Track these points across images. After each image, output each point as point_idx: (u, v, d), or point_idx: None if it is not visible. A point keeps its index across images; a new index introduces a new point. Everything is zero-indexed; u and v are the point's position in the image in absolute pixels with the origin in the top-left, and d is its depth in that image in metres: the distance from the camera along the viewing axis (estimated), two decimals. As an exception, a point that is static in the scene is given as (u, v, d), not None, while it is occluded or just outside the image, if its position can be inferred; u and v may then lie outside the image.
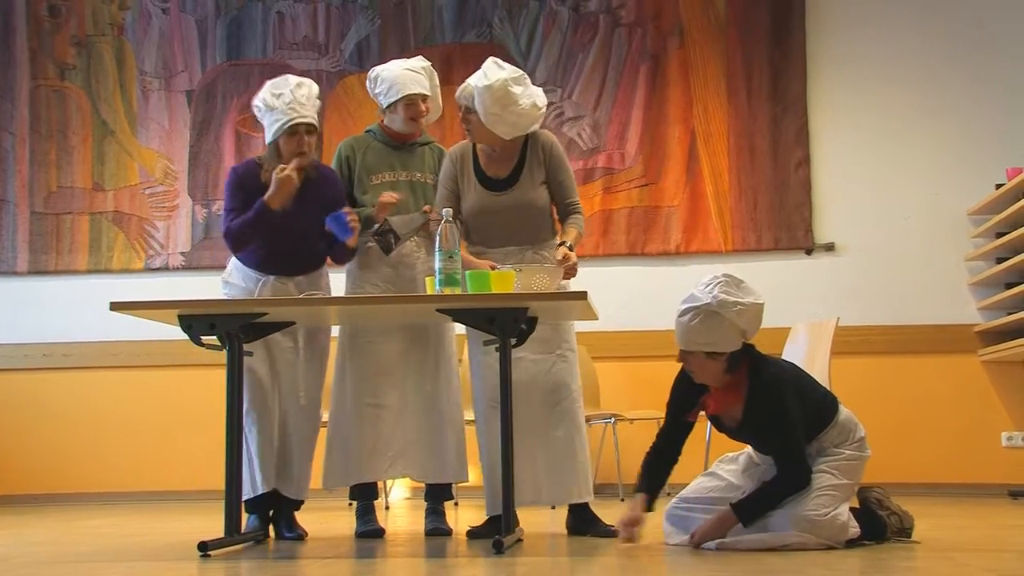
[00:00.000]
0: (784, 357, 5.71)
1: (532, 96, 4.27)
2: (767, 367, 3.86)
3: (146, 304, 4.18)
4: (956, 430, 6.67)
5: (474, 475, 4.51)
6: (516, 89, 4.22)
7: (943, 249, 6.84)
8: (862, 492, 3.97)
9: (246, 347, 4.16)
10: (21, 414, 7.09)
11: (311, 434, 4.47)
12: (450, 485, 4.61)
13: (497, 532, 3.99)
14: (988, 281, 6.68)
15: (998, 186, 6.57)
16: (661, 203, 7.00)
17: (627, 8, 7.15)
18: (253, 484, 4.28)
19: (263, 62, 7.22)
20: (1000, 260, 6.53)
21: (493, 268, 4.17)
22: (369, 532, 4.45)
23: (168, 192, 7.25)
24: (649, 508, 3.92)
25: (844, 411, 3.93)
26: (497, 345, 3.97)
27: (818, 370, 5.52)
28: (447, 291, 3.97)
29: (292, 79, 4.42)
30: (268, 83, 4.44)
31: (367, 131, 4.70)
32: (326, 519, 5.27)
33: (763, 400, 3.79)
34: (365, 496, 4.56)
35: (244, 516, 4.25)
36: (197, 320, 4.04)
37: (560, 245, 4.26)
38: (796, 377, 3.93)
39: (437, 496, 4.58)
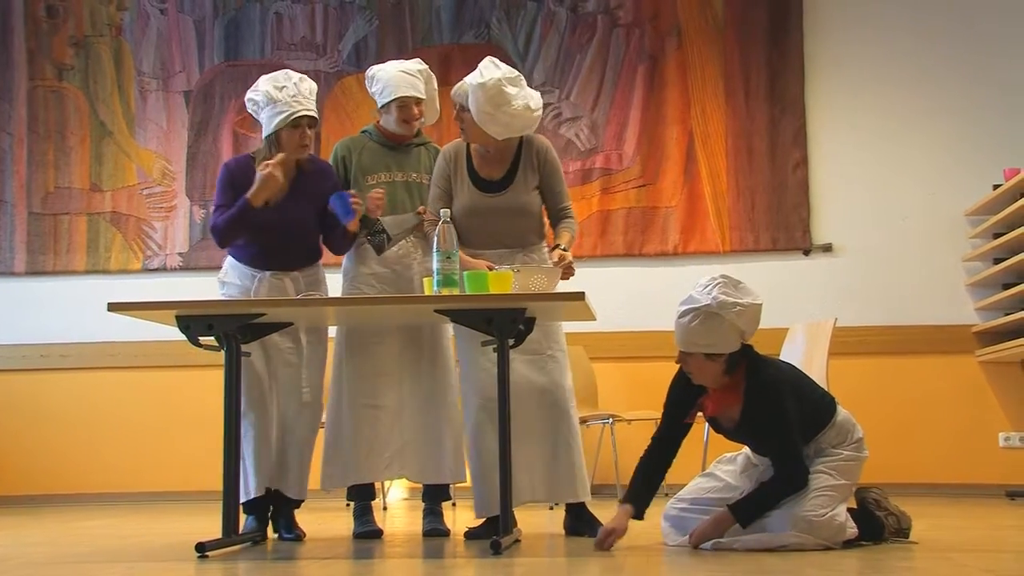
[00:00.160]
0: (782, 358, 5.72)
1: (526, 98, 4.24)
2: (765, 368, 3.86)
3: (144, 305, 4.17)
4: (954, 431, 6.68)
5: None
6: (510, 89, 4.20)
7: (941, 250, 6.85)
8: (860, 493, 3.97)
9: (244, 348, 4.16)
10: (19, 415, 7.09)
11: (311, 433, 4.45)
12: (448, 486, 4.61)
13: (495, 533, 3.99)
14: (985, 282, 6.68)
15: (995, 187, 6.58)
16: (659, 204, 7.00)
17: (625, 9, 7.16)
18: (246, 488, 4.27)
19: (261, 63, 7.22)
20: (997, 261, 6.54)
21: (490, 268, 4.17)
22: (367, 533, 4.45)
23: (166, 193, 7.25)
24: (637, 517, 3.90)
25: (842, 412, 3.93)
26: (494, 346, 3.96)
27: (816, 371, 5.53)
28: (445, 292, 3.97)
29: (294, 74, 4.41)
30: (266, 77, 4.40)
31: (363, 131, 4.70)
32: (324, 520, 5.27)
33: (761, 401, 3.79)
34: (363, 497, 4.56)
35: (242, 517, 4.25)
36: (195, 321, 4.04)
37: (555, 248, 4.26)
38: (794, 378, 3.93)
39: (435, 497, 4.58)
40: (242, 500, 4.25)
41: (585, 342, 6.58)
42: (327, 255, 4.59)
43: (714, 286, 3.77)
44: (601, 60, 7.14)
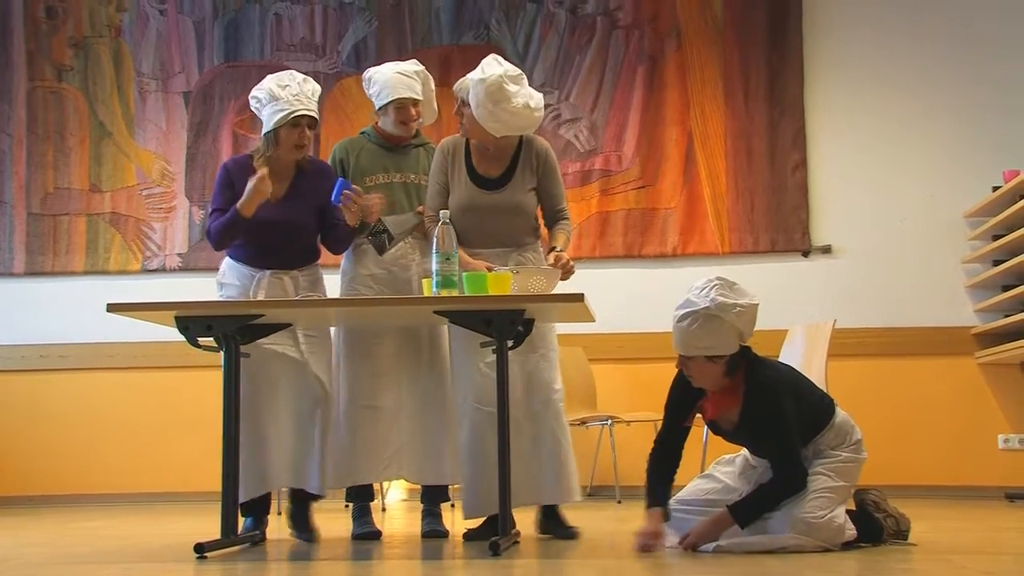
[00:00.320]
0: (781, 359, 5.73)
1: (527, 96, 4.24)
2: (764, 369, 3.86)
3: (143, 305, 4.17)
4: (953, 432, 6.67)
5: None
6: (511, 87, 4.21)
7: (940, 251, 6.85)
8: (859, 494, 3.97)
9: (244, 348, 4.16)
10: (18, 415, 7.09)
11: (324, 428, 4.39)
12: (447, 487, 4.60)
13: (493, 534, 3.99)
14: (985, 283, 6.68)
15: (995, 188, 6.58)
16: (658, 205, 7.00)
17: (624, 10, 7.16)
18: (246, 489, 4.25)
19: (260, 64, 7.22)
20: (997, 262, 6.54)
21: (489, 269, 4.17)
22: (365, 534, 4.44)
23: (165, 193, 7.25)
24: (667, 519, 3.90)
25: (841, 414, 3.93)
26: (493, 347, 3.96)
27: (815, 372, 5.53)
28: (444, 293, 3.97)
29: (298, 74, 4.43)
30: (271, 76, 4.43)
31: (362, 133, 4.70)
32: (323, 521, 5.25)
33: (759, 403, 3.79)
34: (361, 498, 4.56)
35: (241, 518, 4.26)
36: (194, 321, 4.04)
37: (551, 250, 4.26)
38: (792, 379, 3.94)
39: (433, 498, 4.58)
40: (241, 500, 4.24)
41: (584, 343, 6.58)
42: (326, 255, 4.59)
43: (711, 288, 3.77)
44: (600, 61, 7.15)
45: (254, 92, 4.43)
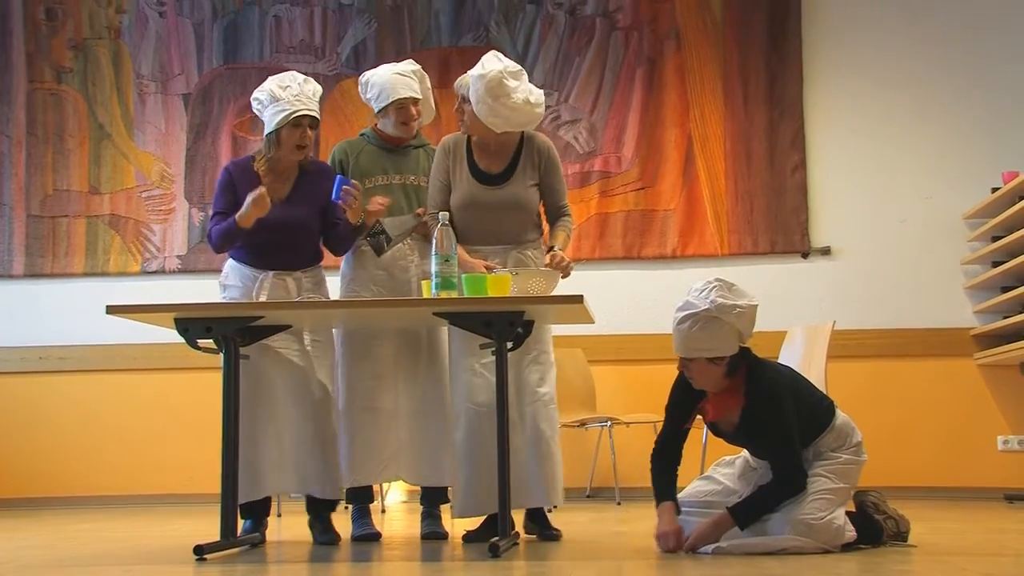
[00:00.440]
0: (780, 360, 5.73)
1: (527, 92, 4.26)
2: (764, 371, 3.86)
3: (142, 307, 4.17)
4: (952, 434, 6.67)
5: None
6: (511, 82, 4.22)
7: (939, 253, 6.85)
8: (858, 496, 3.97)
9: (244, 350, 4.16)
10: (17, 417, 7.08)
11: (329, 431, 4.39)
12: (446, 489, 4.59)
13: (493, 535, 3.99)
14: (984, 285, 6.68)
15: (994, 190, 6.58)
16: (657, 207, 7.00)
17: (623, 12, 7.16)
18: (246, 491, 4.25)
19: (260, 65, 7.22)
20: (996, 264, 6.54)
21: (488, 268, 4.18)
22: (365, 536, 4.44)
23: (164, 195, 7.25)
24: (679, 512, 3.89)
25: (841, 416, 3.93)
26: (492, 349, 3.96)
27: (814, 374, 5.53)
28: (443, 295, 3.97)
29: (299, 75, 4.44)
30: (272, 77, 4.44)
31: (361, 135, 4.71)
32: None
33: (760, 404, 3.79)
34: (361, 500, 4.55)
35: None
36: (193, 323, 4.04)
37: (549, 250, 4.26)
38: (792, 381, 3.94)
39: (433, 500, 4.58)
40: (241, 502, 4.23)
41: (583, 345, 6.58)
42: (327, 257, 4.59)
43: (710, 290, 3.77)
44: (600, 63, 7.15)
45: (255, 94, 4.44)
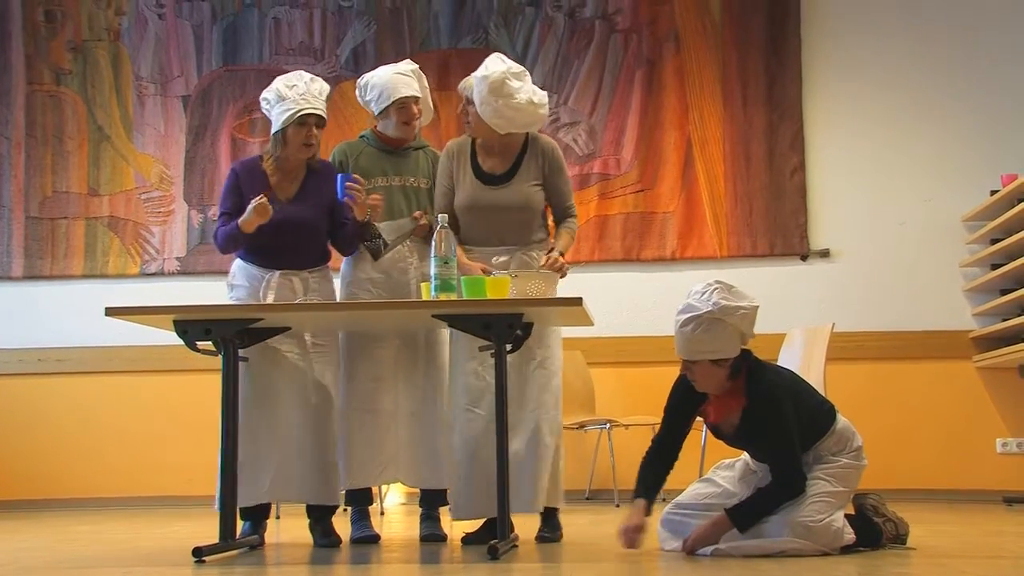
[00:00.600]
0: (780, 363, 5.72)
1: (531, 93, 4.28)
2: (765, 373, 3.87)
3: (141, 309, 4.18)
4: (951, 436, 6.67)
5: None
6: (514, 83, 4.24)
7: (938, 255, 6.85)
8: (857, 498, 3.98)
9: (243, 352, 4.16)
10: (16, 419, 7.08)
11: (328, 436, 4.39)
12: (444, 491, 4.58)
13: (492, 538, 3.99)
14: (983, 287, 6.68)
15: (993, 192, 6.58)
16: (656, 209, 7.00)
17: (623, 14, 7.16)
18: (245, 494, 4.24)
19: (259, 67, 7.23)
20: (995, 266, 6.54)
21: (485, 271, 4.18)
22: (364, 538, 4.44)
23: (164, 197, 7.25)
24: (648, 513, 3.90)
25: (842, 420, 3.93)
26: (491, 351, 3.96)
27: (814, 376, 5.53)
28: (443, 297, 3.98)
29: (305, 74, 4.47)
30: (280, 77, 4.46)
31: (361, 136, 4.71)
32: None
33: (760, 406, 3.79)
34: (360, 502, 4.55)
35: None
36: (193, 325, 4.04)
37: (550, 251, 4.27)
38: (793, 383, 3.94)
39: (432, 502, 4.57)
40: (240, 505, 4.23)
41: (583, 347, 6.58)
42: (335, 259, 4.59)
43: (712, 292, 3.77)
44: (599, 65, 7.15)
45: (264, 93, 4.47)
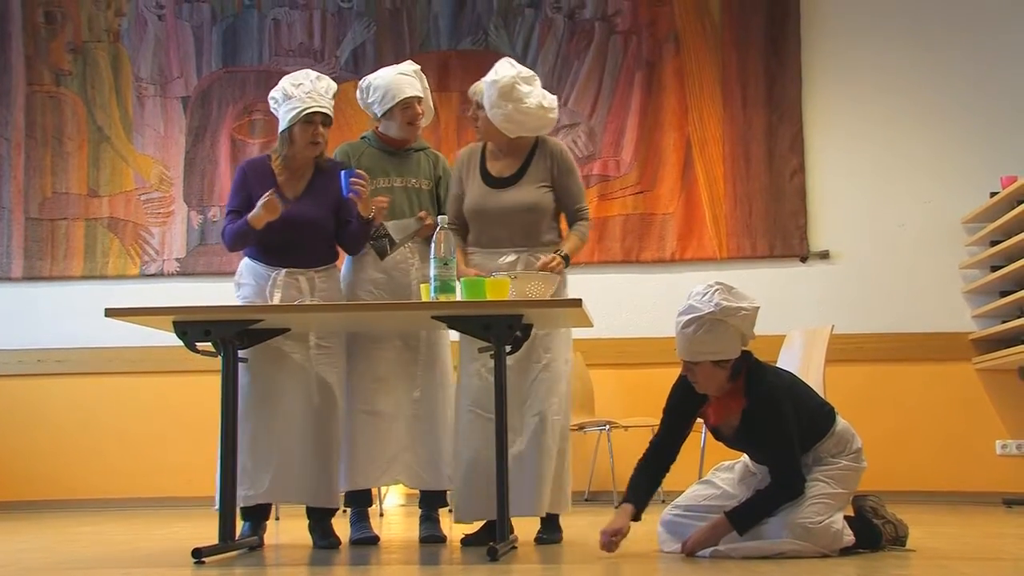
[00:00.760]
0: (779, 364, 5.72)
1: (540, 97, 4.31)
2: (765, 375, 3.87)
3: (141, 310, 4.18)
4: (950, 438, 6.67)
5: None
6: (524, 87, 4.27)
7: (938, 257, 6.85)
8: (857, 500, 3.98)
9: (243, 353, 4.16)
10: (16, 420, 7.07)
11: (330, 439, 4.37)
12: (444, 492, 4.59)
13: (491, 539, 3.99)
14: (982, 289, 6.69)
15: (992, 194, 6.59)
16: (656, 210, 7.00)
17: (622, 16, 7.16)
18: (245, 493, 4.24)
19: (259, 69, 7.23)
20: (994, 268, 6.54)
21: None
22: (363, 539, 4.44)
23: (163, 198, 7.25)
24: (636, 518, 3.90)
25: (841, 422, 3.94)
26: (491, 352, 3.96)
27: (813, 378, 5.53)
28: (442, 298, 3.98)
29: (312, 73, 4.48)
30: (287, 76, 4.47)
31: (362, 138, 4.71)
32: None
33: (760, 408, 3.79)
34: (359, 503, 4.55)
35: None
36: (192, 326, 4.04)
37: (555, 254, 4.27)
38: (792, 385, 3.94)
39: (431, 503, 4.57)
40: (240, 505, 4.23)
41: (582, 348, 6.56)
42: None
43: (713, 293, 3.77)
44: (599, 67, 7.15)
45: (272, 93, 4.49)
